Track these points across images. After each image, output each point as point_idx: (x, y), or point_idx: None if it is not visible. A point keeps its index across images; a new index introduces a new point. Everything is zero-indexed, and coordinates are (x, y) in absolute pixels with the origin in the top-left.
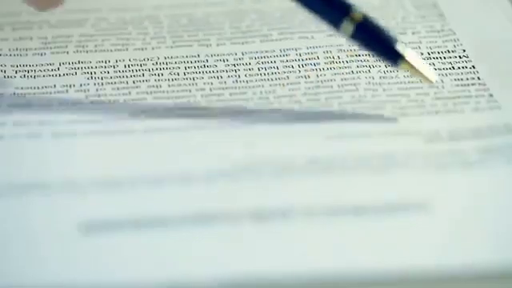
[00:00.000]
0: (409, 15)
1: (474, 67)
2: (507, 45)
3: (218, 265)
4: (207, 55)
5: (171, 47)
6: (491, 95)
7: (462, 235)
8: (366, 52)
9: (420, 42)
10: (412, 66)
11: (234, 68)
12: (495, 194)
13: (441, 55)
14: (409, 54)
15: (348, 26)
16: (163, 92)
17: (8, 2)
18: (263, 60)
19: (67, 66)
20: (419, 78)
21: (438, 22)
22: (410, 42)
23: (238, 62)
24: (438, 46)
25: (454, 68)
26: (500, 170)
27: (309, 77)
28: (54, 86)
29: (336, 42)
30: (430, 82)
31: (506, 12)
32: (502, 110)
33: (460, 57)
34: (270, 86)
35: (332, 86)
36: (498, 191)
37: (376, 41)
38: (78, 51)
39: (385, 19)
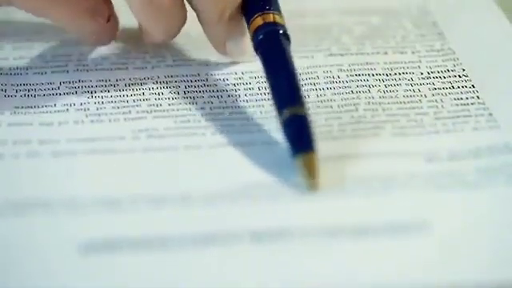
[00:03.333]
0: (408, 34)
1: (473, 86)
2: (507, 64)
3: (217, 285)
4: (207, 74)
5: (171, 66)
6: (491, 114)
7: (462, 255)
8: None
9: (420, 62)
10: (308, 165)
11: (234, 87)
12: (494, 214)
13: (440, 74)
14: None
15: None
16: (163, 111)
17: (9, 22)
18: (263, 79)
19: (67, 84)
20: (308, 179)
21: (437, 41)
22: (409, 62)
23: (238, 81)
24: (438, 66)
25: (453, 87)
26: (499, 190)
27: (308, 97)
28: (55, 104)
29: (336, 62)
30: (313, 188)
31: (506, 31)
32: (501, 129)
33: (460, 76)
34: (270, 105)
35: (332, 107)
36: (498, 211)
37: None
38: (78, 70)
39: (384, 38)
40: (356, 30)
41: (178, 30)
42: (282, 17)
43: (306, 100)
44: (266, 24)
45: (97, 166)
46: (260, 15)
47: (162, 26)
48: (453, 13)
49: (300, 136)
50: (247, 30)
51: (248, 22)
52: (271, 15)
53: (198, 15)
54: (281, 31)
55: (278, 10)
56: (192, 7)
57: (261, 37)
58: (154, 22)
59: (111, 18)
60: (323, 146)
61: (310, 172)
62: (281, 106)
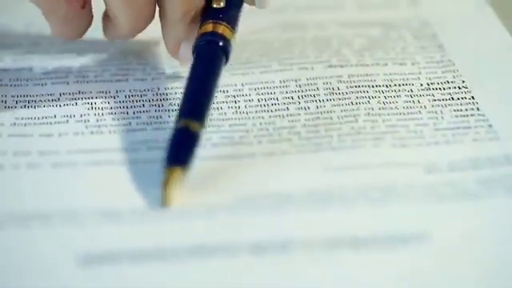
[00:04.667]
0: (408, 46)
1: (473, 98)
2: (506, 75)
3: None
4: None
5: (171, 78)
6: (490, 126)
7: (461, 266)
8: None
9: (419, 73)
10: (169, 179)
11: (233, 99)
12: (494, 225)
13: (440, 86)
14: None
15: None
16: (163, 123)
17: (9, 33)
18: (263, 91)
19: (67, 96)
20: (162, 192)
21: (437, 53)
22: (409, 73)
23: (238, 93)
24: (438, 77)
25: (453, 99)
26: (499, 201)
27: (308, 108)
28: (55, 116)
29: (335, 73)
30: (164, 203)
31: (506, 43)
32: (501, 140)
33: (459, 87)
34: (270, 117)
35: (332, 118)
36: (497, 222)
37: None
38: (78, 81)
39: (384, 50)
40: (356, 41)
41: (145, 26)
42: (232, 32)
43: (208, 121)
44: (212, 33)
45: (96, 178)
46: (212, 22)
47: (133, 15)
48: (453, 25)
49: (178, 149)
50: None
51: (200, 25)
52: (222, 26)
53: (162, 11)
54: (220, 43)
55: (232, 23)
56: (158, 3)
57: (202, 43)
58: (125, 10)
59: (86, 4)
60: (323, 157)
61: (167, 186)
62: (180, 114)
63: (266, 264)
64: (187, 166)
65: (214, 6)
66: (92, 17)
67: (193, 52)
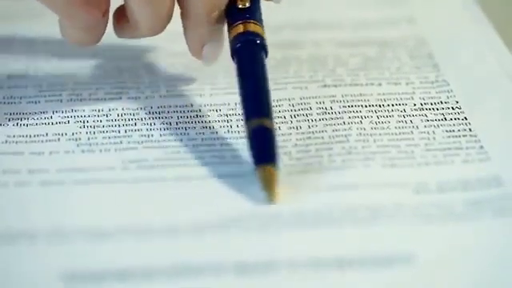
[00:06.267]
0: (403, 66)
1: (466, 118)
2: (501, 97)
3: None
4: (200, 105)
5: (165, 96)
6: (482, 147)
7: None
8: None
9: (413, 93)
10: (267, 178)
11: (226, 118)
12: (480, 247)
13: (433, 106)
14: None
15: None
16: (154, 141)
17: (6, 50)
18: None
19: (60, 114)
20: (266, 190)
21: (432, 73)
22: (403, 93)
23: (231, 112)
24: (431, 97)
25: (445, 119)
26: (486, 222)
27: (300, 128)
28: (46, 134)
29: (329, 93)
30: (270, 200)
31: (502, 64)
32: (491, 161)
33: (453, 108)
34: None
35: (323, 137)
36: (484, 244)
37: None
38: (71, 99)
39: (379, 69)
40: (351, 61)
41: (164, 28)
42: (262, 28)
43: (274, 114)
44: (246, 32)
45: (85, 196)
46: (242, 23)
47: (154, 16)
48: (449, 44)
49: (262, 148)
50: (226, 36)
51: (229, 28)
52: (252, 24)
53: (185, 14)
54: (258, 41)
55: (259, 20)
56: (180, 5)
57: (238, 45)
58: (147, 11)
59: (106, 13)
60: (312, 178)
61: (268, 184)
62: (248, 115)
63: (251, 284)
64: (276, 162)
65: (240, 6)
66: (108, 22)
67: (232, 56)
